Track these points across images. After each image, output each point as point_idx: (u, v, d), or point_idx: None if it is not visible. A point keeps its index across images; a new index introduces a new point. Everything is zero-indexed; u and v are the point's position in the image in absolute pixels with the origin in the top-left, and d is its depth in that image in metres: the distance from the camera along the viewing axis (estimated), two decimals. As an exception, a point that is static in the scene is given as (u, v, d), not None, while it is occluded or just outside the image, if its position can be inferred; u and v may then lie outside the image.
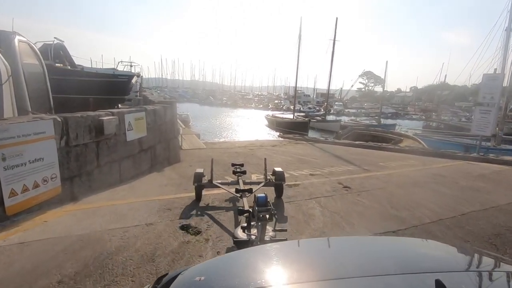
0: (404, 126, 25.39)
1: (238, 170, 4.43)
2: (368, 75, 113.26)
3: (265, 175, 4.41)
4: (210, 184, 4.14)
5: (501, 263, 1.19)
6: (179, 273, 1.11)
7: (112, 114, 4.93)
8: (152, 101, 8.12)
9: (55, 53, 9.47)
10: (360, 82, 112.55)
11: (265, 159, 5.00)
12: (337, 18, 24.09)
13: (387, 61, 29.89)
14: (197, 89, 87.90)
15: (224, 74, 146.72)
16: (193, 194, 4.35)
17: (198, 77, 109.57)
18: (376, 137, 16.92)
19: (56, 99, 6.42)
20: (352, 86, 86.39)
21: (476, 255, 1.33)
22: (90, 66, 11.36)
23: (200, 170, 4.15)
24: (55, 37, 9.92)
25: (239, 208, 3.01)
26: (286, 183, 4.69)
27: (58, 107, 6.66)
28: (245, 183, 4.12)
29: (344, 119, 36.93)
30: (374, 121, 29.32)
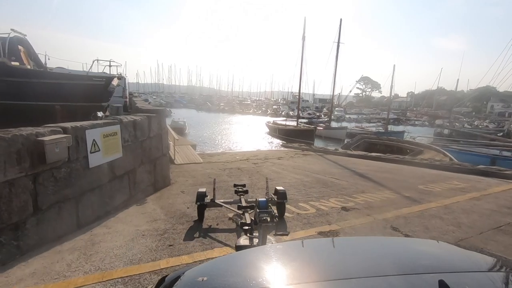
0: (413, 133, 23.95)
1: (240, 189, 4.27)
2: (365, 80, 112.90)
3: (267, 193, 4.24)
4: (213, 203, 4.03)
5: (505, 263, 1.16)
6: (182, 274, 1.12)
7: (63, 130, 3.32)
8: (140, 109, 6.50)
9: (10, 49, 7.73)
10: (358, 88, 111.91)
11: (266, 178, 4.78)
12: (341, 20, 22.81)
13: (394, 65, 28.68)
14: (194, 95, 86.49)
15: (221, 79, 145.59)
16: (185, 256, 2.92)
17: (195, 82, 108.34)
18: (389, 147, 15.41)
19: (4, 106, 4.77)
20: (350, 91, 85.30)
21: (479, 256, 1.31)
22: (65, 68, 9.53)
23: (202, 190, 4.04)
24: (12, 29, 8.18)
25: (241, 222, 3.04)
26: (318, 230, 3.75)
27: (9, 117, 5.02)
28: (247, 201, 3.98)
29: (346, 125, 35.53)
30: (381, 128, 27.85)
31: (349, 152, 12.82)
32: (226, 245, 3.30)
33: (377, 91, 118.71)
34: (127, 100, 14.65)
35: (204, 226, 3.90)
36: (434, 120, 49.51)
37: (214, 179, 4.47)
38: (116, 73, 7.84)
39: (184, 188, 6.04)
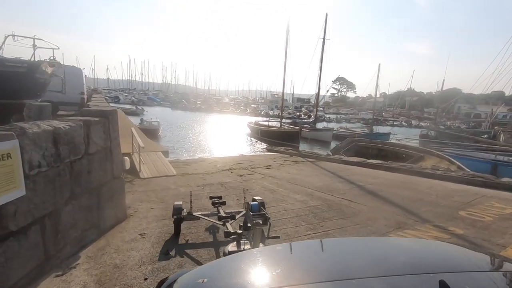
0: (398, 134, 23.28)
1: (217, 201, 4.07)
2: (341, 80, 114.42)
3: (245, 204, 3.56)
4: (190, 216, 3.79)
5: (505, 263, 1.15)
6: (182, 275, 1.13)
7: None
8: (84, 111, 4.47)
9: None
10: (333, 88, 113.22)
11: (244, 189, 4.65)
12: (326, 15, 21.46)
13: (379, 64, 27.84)
14: (169, 92, 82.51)
15: (198, 77, 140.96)
16: None
17: (170, 79, 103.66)
18: (383, 151, 14.25)
19: None
20: (327, 91, 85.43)
21: (479, 256, 1.30)
22: None
23: (179, 203, 3.79)
24: None
25: (226, 231, 2.94)
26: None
27: None
28: (225, 213, 3.81)
29: (326, 125, 34.57)
30: (366, 129, 26.99)
31: (344, 158, 11.39)
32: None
33: (352, 91, 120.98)
34: (85, 97, 12.24)
35: (181, 241, 3.64)
36: (411, 121, 50.31)
37: (190, 191, 4.13)
38: (50, 59, 5.53)
39: (146, 224, 4.15)
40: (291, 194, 5.99)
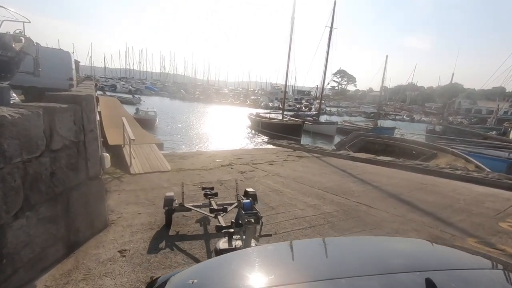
0: (403, 129, 22.49)
1: (209, 192, 4.01)
2: (341, 73, 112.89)
3: (237, 195, 3.91)
4: (182, 208, 3.76)
5: (489, 261, 1.18)
6: (172, 276, 1.13)
7: None
8: (51, 96, 3.63)
9: None
10: (334, 80, 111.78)
11: (236, 180, 4.37)
12: (335, 2, 20.36)
13: (387, 56, 26.66)
14: (167, 82, 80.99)
15: (197, 67, 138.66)
16: None
17: (168, 69, 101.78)
18: (390, 147, 13.51)
19: None
20: (328, 83, 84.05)
21: (465, 254, 1.31)
22: None
23: (170, 194, 3.78)
24: None
25: (217, 225, 2.94)
26: None
27: None
28: (217, 204, 3.79)
29: (326, 118, 33.72)
30: (370, 123, 26.17)
31: (351, 154, 10.65)
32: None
33: (352, 84, 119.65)
34: (74, 83, 11.34)
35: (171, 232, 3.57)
36: (413, 115, 49.50)
37: (182, 182, 4.13)
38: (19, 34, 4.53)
39: (129, 236, 3.40)
40: (299, 197, 5.26)
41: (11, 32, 3.96)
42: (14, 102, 4.89)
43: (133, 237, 3.40)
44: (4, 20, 4.44)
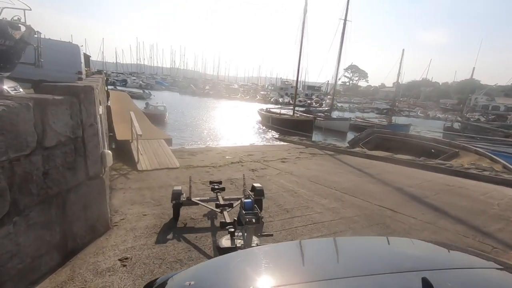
0: (419, 126, 21.66)
1: (216, 187, 4.09)
2: (353, 69, 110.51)
3: (244, 191, 3.94)
4: (189, 202, 3.83)
5: (485, 260, 1.18)
6: (169, 278, 1.10)
7: None
8: (52, 85, 3.33)
9: None
10: (345, 76, 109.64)
11: (243, 175, 4.25)
12: (349, -6, 19.63)
13: (403, 50, 25.72)
14: (177, 77, 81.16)
15: (207, 62, 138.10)
16: None
17: (179, 64, 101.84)
18: (407, 145, 12.90)
19: None
20: (339, 79, 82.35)
21: (461, 253, 1.32)
22: None
23: (178, 188, 3.81)
24: None
25: (221, 221, 2.97)
26: None
27: None
28: (224, 199, 3.87)
29: (338, 114, 32.94)
30: (384, 120, 25.36)
31: (367, 152, 10.15)
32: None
33: (364, 80, 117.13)
34: (83, 76, 11.18)
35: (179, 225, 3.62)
36: (428, 112, 48.05)
37: (190, 176, 4.16)
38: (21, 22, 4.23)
39: (132, 241, 3.10)
40: (316, 198, 4.88)
41: (9, 19, 3.68)
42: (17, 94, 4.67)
43: (136, 242, 3.10)
44: (4, 8, 4.21)
